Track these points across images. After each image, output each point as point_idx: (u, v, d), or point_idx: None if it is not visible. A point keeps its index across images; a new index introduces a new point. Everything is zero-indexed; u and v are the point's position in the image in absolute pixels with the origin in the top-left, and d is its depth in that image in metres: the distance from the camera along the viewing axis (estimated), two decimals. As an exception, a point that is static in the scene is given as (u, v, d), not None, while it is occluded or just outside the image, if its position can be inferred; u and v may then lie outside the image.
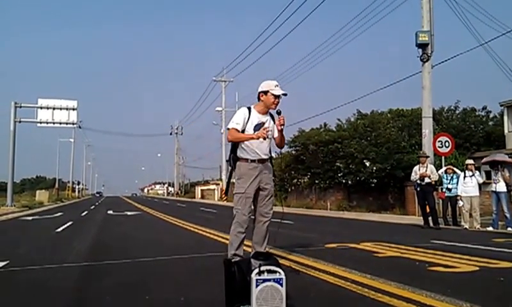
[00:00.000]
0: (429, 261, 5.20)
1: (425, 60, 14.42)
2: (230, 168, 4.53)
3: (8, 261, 5.47)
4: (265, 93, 4.39)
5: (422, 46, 14.40)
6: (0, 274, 4.79)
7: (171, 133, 68.27)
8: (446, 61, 14.83)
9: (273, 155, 4.64)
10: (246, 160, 4.38)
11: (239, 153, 4.42)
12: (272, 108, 4.41)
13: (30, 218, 16.74)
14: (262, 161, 4.39)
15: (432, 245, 6.83)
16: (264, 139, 4.31)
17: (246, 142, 4.37)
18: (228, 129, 4.44)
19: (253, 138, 4.30)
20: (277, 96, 4.38)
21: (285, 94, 4.42)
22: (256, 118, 4.38)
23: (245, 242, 4.41)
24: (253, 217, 4.44)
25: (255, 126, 4.35)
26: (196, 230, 10.13)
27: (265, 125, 4.38)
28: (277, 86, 4.40)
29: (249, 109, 4.43)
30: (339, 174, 23.93)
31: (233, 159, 4.45)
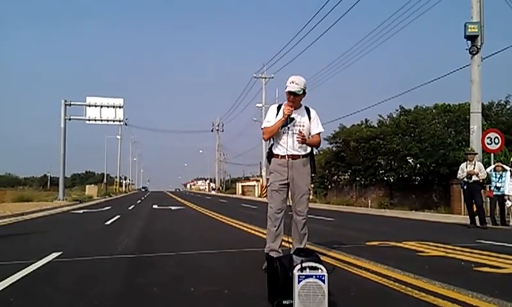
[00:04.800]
0: (475, 261, 5.06)
1: (474, 52, 13.81)
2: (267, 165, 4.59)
3: (61, 252, 5.82)
4: (285, 89, 4.37)
5: (471, 38, 13.80)
6: (54, 264, 5.10)
7: (212, 130, 69.40)
8: (497, 53, 14.18)
9: (314, 151, 4.65)
10: (277, 155, 4.39)
11: (273, 149, 4.46)
12: (290, 105, 4.26)
13: (81, 211, 17.57)
14: (293, 157, 4.34)
15: (479, 245, 6.62)
16: (289, 116, 4.22)
17: (276, 138, 4.39)
18: (262, 129, 4.47)
19: (281, 121, 4.25)
20: (289, 93, 4.28)
21: (293, 93, 4.23)
22: None
23: (285, 238, 4.47)
24: (290, 213, 4.45)
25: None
26: (238, 226, 10.29)
27: (297, 120, 4.32)
28: (293, 82, 4.28)
29: (279, 106, 4.42)
30: (380, 171, 23.45)
31: (268, 155, 4.50)
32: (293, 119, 4.31)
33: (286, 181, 4.33)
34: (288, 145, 4.33)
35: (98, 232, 9.35)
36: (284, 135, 4.36)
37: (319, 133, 4.49)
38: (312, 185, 31.06)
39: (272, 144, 4.48)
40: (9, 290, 3.72)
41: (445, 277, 4.03)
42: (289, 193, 4.43)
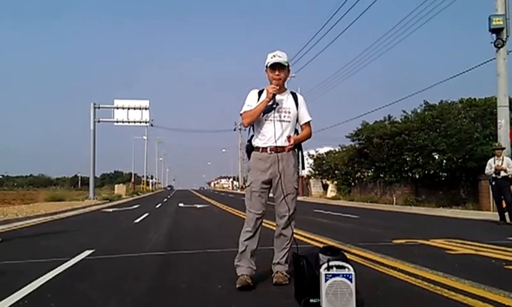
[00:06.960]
0: (506, 259, 4.97)
1: (499, 46, 13.61)
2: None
3: (93, 250, 6.00)
4: (266, 67, 3.68)
5: (496, 31, 13.63)
6: (87, 261, 5.27)
7: (234, 129, 69.53)
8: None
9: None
10: (258, 148, 3.70)
11: (253, 142, 3.78)
12: (274, 85, 3.61)
13: (111, 210, 18.02)
14: (277, 149, 3.63)
15: (509, 243, 6.48)
16: (275, 96, 3.59)
17: (257, 127, 3.73)
18: (241, 115, 3.80)
19: (266, 101, 3.60)
20: (273, 67, 3.61)
21: (279, 64, 3.59)
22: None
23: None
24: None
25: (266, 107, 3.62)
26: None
27: (281, 105, 3.67)
28: (274, 55, 3.61)
29: (261, 91, 3.76)
30: (406, 168, 23.09)
31: (248, 149, 3.84)
32: (278, 103, 3.64)
33: (268, 180, 3.69)
34: (271, 135, 3.64)
35: (128, 230, 9.58)
36: (266, 123, 3.66)
37: (308, 123, 3.81)
38: (336, 182, 30.90)
39: (252, 136, 3.80)
40: (46, 287, 3.88)
41: (474, 275, 3.98)
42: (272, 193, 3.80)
